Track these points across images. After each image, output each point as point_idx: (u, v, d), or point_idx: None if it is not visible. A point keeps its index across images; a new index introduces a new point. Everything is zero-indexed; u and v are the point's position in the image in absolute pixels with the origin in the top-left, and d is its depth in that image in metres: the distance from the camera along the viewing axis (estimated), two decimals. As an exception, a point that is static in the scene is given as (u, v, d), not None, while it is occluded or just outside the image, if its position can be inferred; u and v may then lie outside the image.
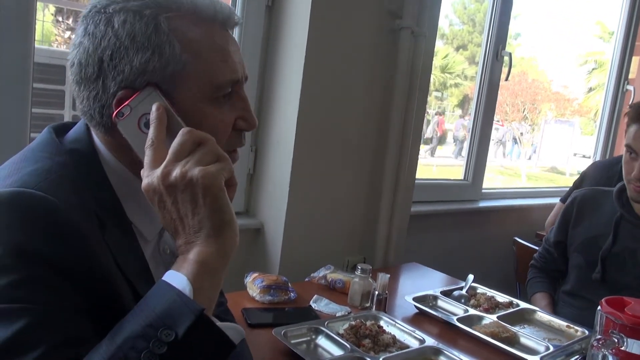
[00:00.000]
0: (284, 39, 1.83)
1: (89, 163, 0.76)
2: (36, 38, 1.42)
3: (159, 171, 0.68)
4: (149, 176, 0.69)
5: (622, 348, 0.92)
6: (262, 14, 1.84)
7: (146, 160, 0.70)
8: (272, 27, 1.87)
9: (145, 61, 0.71)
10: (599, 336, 0.95)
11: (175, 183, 0.67)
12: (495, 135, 14.04)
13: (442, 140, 13.96)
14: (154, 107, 0.72)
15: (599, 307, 0.98)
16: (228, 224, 0.70)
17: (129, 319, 0.63)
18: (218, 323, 0.65)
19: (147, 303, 0.64)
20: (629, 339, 0.91)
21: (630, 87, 3.46)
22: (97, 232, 0.69)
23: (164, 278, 0.66)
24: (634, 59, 3.67)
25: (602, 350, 0.91)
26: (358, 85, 1.92)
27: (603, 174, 2.40)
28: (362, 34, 1.89)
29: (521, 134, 14.70)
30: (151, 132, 0.71)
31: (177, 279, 0.65)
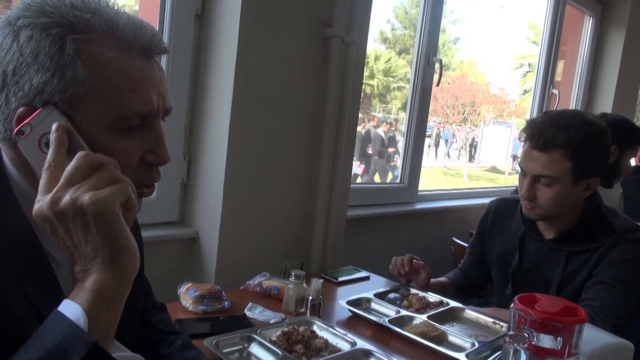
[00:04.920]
0: (214, 47, 1.82)
1: None
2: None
3: (48, 197, 0.66)
4: (40, 201, 0.66)
5: (533, 342, 0.97)
6: (192, 22, 1.83)
7: (41, 183, 0.68)
8: (202, 35, 1.85)
9: (44, 81, 0.68)
10: (512, 332, 1.00)
11: (64, 210, 0.65)
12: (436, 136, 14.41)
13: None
14: (53, 127, 0.69)
15: (511, 305, 1.03)
16: (125, 249, 0.67)
17: (20, 355, 0.61)
18: (116, 354, 0.64)
19: (39, 336, 0.62)
20: (539, 334, 0.97)
21: (555, 91, 3.62)
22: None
23: (58, 308, 0.64)
24: (560, 63, 3.84)
25: (514, 344, 0.96)
26: (290, 92, 1.94)
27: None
28: (293, 42, 1.91)
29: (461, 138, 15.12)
30: (49, 154, 0.69)
31: (71, 309, 0.63)
